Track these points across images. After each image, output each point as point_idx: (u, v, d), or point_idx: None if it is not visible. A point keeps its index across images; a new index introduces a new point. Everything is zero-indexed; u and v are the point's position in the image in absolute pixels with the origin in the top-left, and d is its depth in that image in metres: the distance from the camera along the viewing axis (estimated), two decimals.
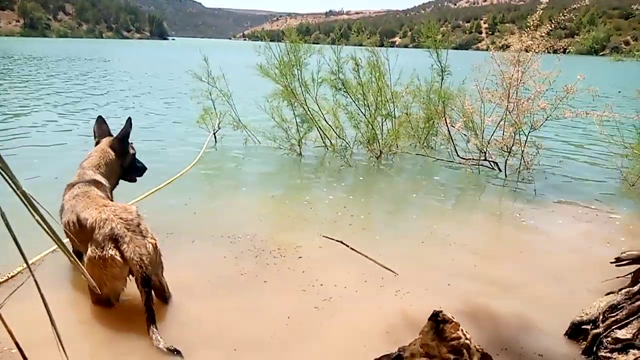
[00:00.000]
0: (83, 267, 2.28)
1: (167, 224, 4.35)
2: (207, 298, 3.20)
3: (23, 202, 0.94)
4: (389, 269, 3.61)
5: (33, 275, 1.07)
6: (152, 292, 2.70)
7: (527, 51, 5.80)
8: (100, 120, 3.68)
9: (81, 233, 2.84)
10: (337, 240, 4.07)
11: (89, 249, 2.74)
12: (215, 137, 7.96)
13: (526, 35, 5.79)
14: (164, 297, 2.99)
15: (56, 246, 3.40)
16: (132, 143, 3.72)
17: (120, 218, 2.76)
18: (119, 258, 2.66)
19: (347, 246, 3.96)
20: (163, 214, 4.67)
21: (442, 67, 7.05)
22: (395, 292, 3.33)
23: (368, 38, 7.55)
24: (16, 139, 7.74)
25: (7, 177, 0.88)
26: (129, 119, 3.59)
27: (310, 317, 3.00)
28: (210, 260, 3.76)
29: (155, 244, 2.82)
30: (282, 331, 2.85)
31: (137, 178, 3.86)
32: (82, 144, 7.10)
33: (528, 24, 5.88)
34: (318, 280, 3.43)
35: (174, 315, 2.94)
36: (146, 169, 3.84)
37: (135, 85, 18.06)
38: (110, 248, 2.67)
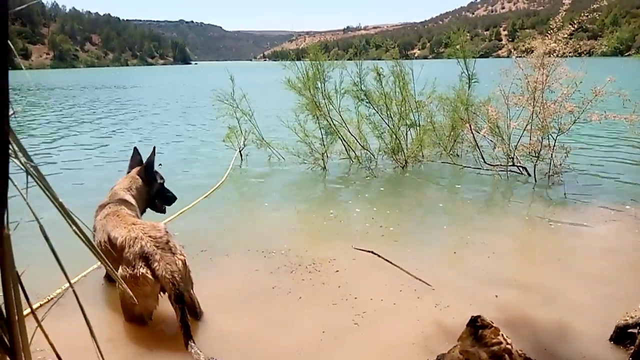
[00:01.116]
0: (121, 280, 2.33)
1: (199, 240, 4.41)
2: (241, 313, 3.20)
3: (61, 213, 0.96)
4: (423, 281, 3.54)
5: (74, 292, 1.09)
6: (185, 308, 2.71)
7: (550, 55, 5.71)
8: (135, 152, 3.82)
9: (112, 252, 2.86)
10: (368, 251, 4.03)
11: (120, 268, 2.76)
12: (241, 155, 8.06)
13: (549, 37, 5.70)
14: (195, 313, 3.00)
15: (95, 265, 3.52)
16: (158, 172, 3.82)
17: (150, 236, 2.79)
18: (150, 276, 2.68)
19: (380, 257, 3.91)
20: (194, 231, 4.74)
21: (469, 75, 7.01)
22: (430, 303, 3.26)
23: (387, 52, 7.58)
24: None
25: (45, 189, 0.91)
26: (154, 149, 3.65)
27: (346, 331, 2.95)
28: (245, 275, 3.77)
29: (185, 260, 2.84)
30: (317, 346, 2.82)
31: (167, 207, 3.94)
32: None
33: (550, 27, 5.79)
34: (352, 294, 3.39)
35: (205, 331, 2.95)
36: (176, 198, 3.92)
37: (162, 107, 18.49)
38: (141, 266, 2.69)
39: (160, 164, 7.86)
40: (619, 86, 5.80)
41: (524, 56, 6.06)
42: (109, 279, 3.45)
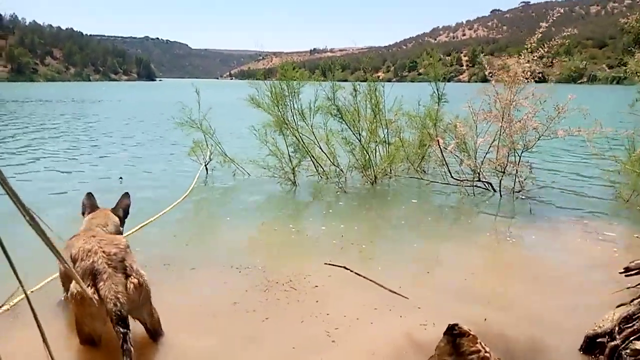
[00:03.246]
0: (84, 287, 2.14)
1: (162, 254, 4.24)
2: (205, 331, 3.05)
3: (19, 209, 0.86)
4: (398, 294, 3.49)
5: (28, 299, 0.97)
6: (129, 332, 2.39)
7: (524, 73, 5.90)
8: (90, 195, 3.47)
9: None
10: (340, 267, 3.96)
11: (72, 283, 2.53)
12: (207, 170, 7.89)
13: (524, 57, 5.91)
14: (153, 335, 2.80)
15: (55, 275, 3.28)
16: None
17: (104, 251, 2.55)
18: (95, 296, 2.42)
19: (352, 271, 3.84)
20: (157, 245, 4.56)
21: (439, 94, 7.16)
22: (405, 317, 3.21)
23: (352, 73, 7.68)
24: None
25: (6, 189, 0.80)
26: (127, 194, 3.52)
27: (317, 347, 2.85)
28: (212, 291, 3.64)
29: (140, 282, 2.58)
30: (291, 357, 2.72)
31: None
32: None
33: (525, 48, 6.01)
34: (326, 310, 3.29)
35: (167, 353, 2.78)
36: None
37: (127, 122, 18.07)
38: (88, 284, 2.45)
39: (120, 178, 7.63)
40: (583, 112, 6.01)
41: (495, 74, 6.22)
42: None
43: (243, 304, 3.38)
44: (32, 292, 3.19)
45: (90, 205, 3.34)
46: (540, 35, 6.06)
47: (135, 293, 2.54)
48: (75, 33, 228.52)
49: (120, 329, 2.33)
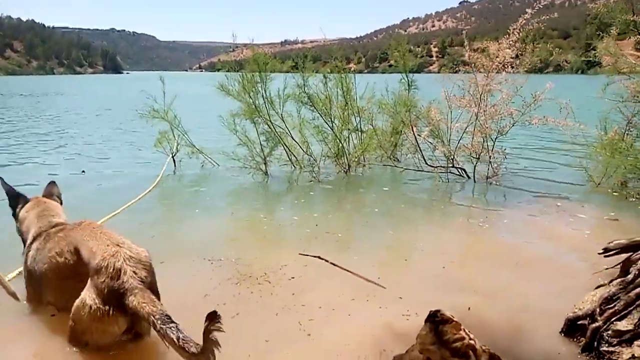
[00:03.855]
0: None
1: None
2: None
3: None
4: (374, 282, 3.39)
5: None
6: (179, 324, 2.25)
7: (503, 59, 5.86)
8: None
9: (76, 266, 2.55)
10: (314, 257, 3.82)
11: (88, 293, 2.38)
12: (174, 162, 7.63)
13: (504, 42, 5.87)
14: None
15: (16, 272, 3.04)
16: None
17: (135, 272, 2.41)
18: (122, 317, 2.34)
19: (327, 261, 3.72)
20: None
21: (409, 81, 7.07)
22: (382, 306, 3.10)
23: (324, 64, 7.57)
24: None
25: None
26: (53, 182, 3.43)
27: (292, 339, 2.73)
28: (183, 284, 3.45)
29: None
30: (260, 355, 2.58)
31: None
32: None
33: (507, 32, 5.97)
34: (301, 301, 3.16)
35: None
36: None
37: (90, 113, 17.47)
38: (114, 304, 2.33)
39: (83, 171, 7.31)
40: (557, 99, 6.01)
41: (474, 60, 6.17)
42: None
43: (215, 297, 3.22)
44: None
45: (14, 193, 3.22)
46: (523, 21, 6.02)
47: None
48: (37, 25, 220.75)
49: (169, 325, 2.17)
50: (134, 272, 2.40)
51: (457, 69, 6.54)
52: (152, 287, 2.46)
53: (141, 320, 2.34)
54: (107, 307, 2.32)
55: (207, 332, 1.99)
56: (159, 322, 2.18)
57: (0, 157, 8.61)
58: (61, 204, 3.32)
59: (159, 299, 2.44)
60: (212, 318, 1.98)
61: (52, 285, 2.72)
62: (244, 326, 2.88)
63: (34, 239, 2.89)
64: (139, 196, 5.64)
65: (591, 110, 6.54)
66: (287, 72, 7.52)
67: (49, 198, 3.25)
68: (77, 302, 2.41)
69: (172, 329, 2.15)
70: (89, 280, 2.43)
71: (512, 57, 6.02)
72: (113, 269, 2.37)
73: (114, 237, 2.62)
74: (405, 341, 2.42)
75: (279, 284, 3.42)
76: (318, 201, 6.03)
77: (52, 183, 3.40)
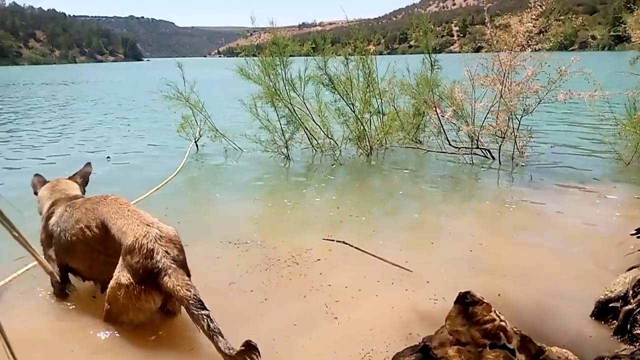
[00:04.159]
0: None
1: None
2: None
3: None
4: (400, 266, 3.36)
5: None
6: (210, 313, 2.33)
7: (528, 34, 5.69)
8: (37, 175, 3.42)
9: (105, 241, 2.63)
10: (339, 241, 3.81)
11: (122, 273, 2.46)
12: (197, 146, 7.68)
13: (526, 16, 5.68)
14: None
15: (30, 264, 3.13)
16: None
17: (167, 252, 2.48)
18: (157, 294, 2.44)
19: (351, 246, 3.71)
20: None
21: (432, 60, 6.93)
22: (408, 289, 3.09)
23: (344, 47, 7.45)
24: None
25: None
26: (89, 163, 3.57)
27: (319, 321, 2.76)
28: (205, 268, 3.49)
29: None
30: (288, 336, 2.61)
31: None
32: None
33: (528, 7, 5.77)
34: (328, 283, 3.18)
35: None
36: None
37: (113, 100, 17.70)
38: (149, 282, 2.42)
39: (108, 157, 7.42)
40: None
41: (495, 36, 6.00)
42: (61, 293, 3.00)
43: (243, 280, 3.26)
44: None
45: (41, 181, 3.31)
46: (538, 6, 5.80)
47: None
48: (58, 14, 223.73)
49: (202, 312, 2.27)
50: (166, 251, 2.46)
51: (477, 46, 6.35)
52: (183, 264, 2.53)
53: (174, 300, 2.43)
54: (142, 286, 2.40)
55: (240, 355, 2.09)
56: (192, 307, 2.28)
57: (27, 142, 8.82)
58: (86, 184, 3.40)
59: (189, 276, 2.51)
60: (250, 348, 2.09)
61: (80, 256, 2.77)
62: (270, 309, 2.91)
63: (52, 206, 2.98)
64: (164, 181, 5.70)
65: (619, 87, 6.33)
66: (307, 55, 7.45)
67: (70, 178, 3.36)
68: (112, 283, 2.48)
69: (204, 316, 2.24)
70: (120, 260, 2.49)
71: (535, 33, 5.82)
72: (146, 249, 2.43)
73: (143, 216, 2.66)
74: (432, 324, 2.41)
75: (305, 268, 3.43)
76: (340, 184, 6.01)
77: (88, 164, 3.52)
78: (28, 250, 0.86)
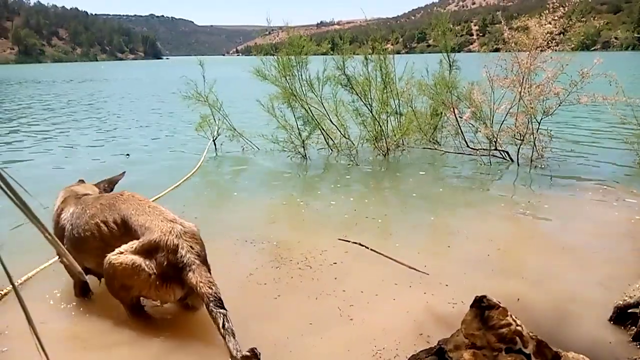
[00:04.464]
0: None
1: None
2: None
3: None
4: (416, 269, 3.36)
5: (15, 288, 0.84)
6: (227, 312, 2.40)
7: (549, 34, 5.61)
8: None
9: (124, 238, 2.63)
10: (355, 243, 3.83)
11: (139, 258, 2.51)
12: (215, 145, 7.76)
13: (545, 18, 5.60)
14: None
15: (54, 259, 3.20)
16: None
17: (191, 247, 2.56)
18: (179, 288, 2.53)
19: (367, 248, 3.72)
20: None
21: (450, 61, 6.88)
22: (424, 292, 3.09)
23: (361, 46, 7.45)
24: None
25: None
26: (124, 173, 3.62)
27: (334, 323, 2.77)
28: (221, 265, 3.53)
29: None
30: (302, 337, 2.64)
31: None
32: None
33: (547, 8, 5.69)
34: (343, 286, 3.18)
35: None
36: None
37: (134, 98, 17.95)
38: (172, 276, 2.49)
39: (127, 154, 7.55)
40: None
41: (513, 38, 5.93)
42: (82, 292, 3.02)
43: (257, 278, 3.30)
44: (20, 283, 3.13)
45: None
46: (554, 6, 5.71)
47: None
48: (80, 13, 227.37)
49: (220, 310, 2.35)
50: (190, 246, 2.53)
51: (496, 47, 6.29)
52: (205, 260, 2.61)
53: (196, 295, 2.49)
54: (164, 279, 2.48)
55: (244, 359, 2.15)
56: (212, 304, 2.36)
57: (52, 142, 9.01)
58: (111, 190, 3.40)
59: (209, 270, 2.58)
60: (254, 356, 2.14)
61: (95, 253, 2.75)
62: (284, 308, 2.94)
63: (62, 203, 3.01)
64: (182, 179, 5.79)
65: None
66: (324, 54, 7.46)
67: (97, 184, 3.39)
68: (125, 260, 2.51)
69: (220, 315, 2.32)
70: (134, 244, 2.54)
71: (556, 34, 5.74)
72: (172, 244, 2.50)
73: (164, 212, 2.72)
74: (449, 327, 2.41)
75: (320, 269, 3.44)
76: (356, 185, 6.01)
77: (122, 173, 3.60)
78: (59, 251, 0.89)
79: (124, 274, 2.50)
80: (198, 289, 2.41)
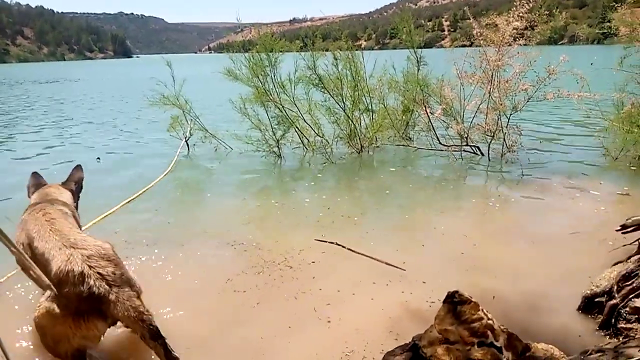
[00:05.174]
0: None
1: (145, 234, 4.10)
2: (198, 310, 2.97)
3: None
4: (393, 265, 3.41)
5: None
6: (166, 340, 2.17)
7: (515, 30, 5.73)
8: (35, 174, 3.14)
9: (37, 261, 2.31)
10: (331, 242, 3.85)
11: (52, 301, 2.18)
12: (188, 146, 7.67)
13: (512, 14, 5.72)
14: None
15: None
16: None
17: (99, 273, 2.17)
18: (100, 321, 2.16)
19: (344, 247, 3.74)
20: (139, 224, 4.40)
21: (417, 58, 6.93)
22: (400, 289, 3.14)
23: (335, 41, 7.45)
24: None
25: None
26: (79, 166, 3.27)
27: (312, 323, 2.79)
28: (197, 269, 3.53)
29: (140, 290, 2.34)
30: (281, 338, 2.65)
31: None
32: None
33: (514, 5, 5.81)
34: (320, 285, 3.21)
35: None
36: None
37: (106, 99, 17.58)
38: (87, 310, 2.13)
39: (98, 158, 7.39)
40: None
41: (482, 35, 6.04)
42: None
43: (236, 284, 3.28)
44: None
45: (35, 184, 3.05)
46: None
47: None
48: (46, 11, 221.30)
49: (158, 341, 2.12)
50: (98, 273, 2.17)
51: (463, 44, 6.39)
52: (125, 280, 2.25)
53: None
54: (79, 315, 2.14)
55: None
56: (147, 336, 2.12)
57: (17, 145, 8.75)
58: (80, 189, 3.23)
59: (137, 291, 2.27)
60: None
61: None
62: (264, 312, 2.94)
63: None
64: (153, 182, 5.70)
65: (608, 82, 6.41)
66: (297, 51, 7.44)
67: (64, 184, 3.12)
68: (41, 311, 2.21)
69: (160, 346, 2.12)
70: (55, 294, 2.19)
71: (522, 29, 5.87)
72: (75, 275, 2.14)
73: (66, 236, 2.35)
74: (425, 324, 2.46)
75: (300, 269, 3.46)
76: (331, 183, 6.03)
77: (77, 167, 3.27)
78: (24, 264, 0.87)
79: (47, 324, 2.20)
80: (128, 324, 2.13)
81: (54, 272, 2.17)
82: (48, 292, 2.21)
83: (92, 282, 2.13)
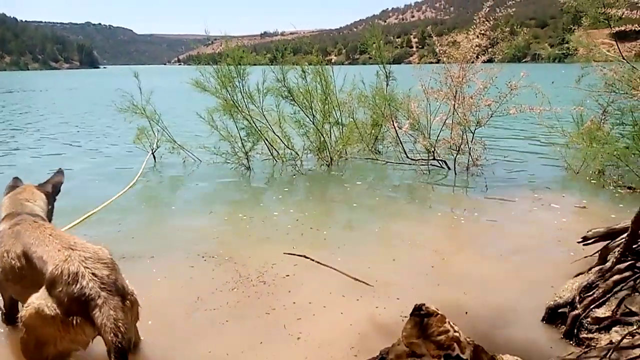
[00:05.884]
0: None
1: (116, 247, 3.95)
2: (165, 327, 2.87)
3: None
4: (361, 281, 3.40)
5: None
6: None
7: (477, 47, 5.89)
8: (16, 179, 3.13)
9: (23, 269, 2.36)
10: (300, 256, 3.81)
11: (42, 301, 2.17)
12: (154, 158, 7.52)
13: (472, 32, 5.89)
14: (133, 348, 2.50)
15: None
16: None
17: (94, 274, 2.16)
18: (88, 325, 2.11)
19: (312, 260, 3.72)
20: (102, 239, 4.23)
21: (387, 73, 7.03)
22: (369, 303, 3.13)
23: (305, 55, 7.50)
24: None
25: None
26: (60, 170, 3.29)
27: (282, 339, 2.75)
28: (168, 283, 3.44)
29: (135, 300, 2.33)
30: (251, 356, 2.60)
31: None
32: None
33: (474, 23, 5.98)
34: (291, 300, 3.17)
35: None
36: None
37: (67, 111, 17.10)
38: (77, 312, 2.11)
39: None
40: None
41: (445, 53, 6.18)
42: (8, 319, 2.78)
43: (207, 298, 3.21)
44: None
45: (11, 186, 3.01)
46: (487, 9, 6.04)
47: (131, 313, 2.29)
48: (9, 19, 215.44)
49: None
50: (93, 274, 2.16)
51: (431, 60, 6.56)
52: (117, 286, 2.22)
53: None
54: (69, 317, 2.12)
55: None
56: (112, 354, 2.02)
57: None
58: (57, 193, 3.18)
59: (127, 298, 2.25)
60: None
61: (11, 287, 2.52)
62: (239, 325, 2.88)
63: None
64: (118, 194, 5.54)
65: (568, 99, 6.65)
66: (267, 64, 7.44)
67: (40, 186, 3.07)
68: (30, 310, 2.19)
69: None
70: (43, 289, 2.22)
71: (484, 47, 6.04)
72: (70, 274, 2.14)
73: (65, 239, 2.39)
74: (390, 335, 2.45)
75: (274, 283, 3.42)
76: (300, 195, 6.01)
77: (59, 172, 3.29)
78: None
79: (35, 325, 2.17)
80: (101, 332, 2.06)
81: (50, 271, 2.18)
82: (38, 292, 2.20)
83: (84, 283, 2.12)
